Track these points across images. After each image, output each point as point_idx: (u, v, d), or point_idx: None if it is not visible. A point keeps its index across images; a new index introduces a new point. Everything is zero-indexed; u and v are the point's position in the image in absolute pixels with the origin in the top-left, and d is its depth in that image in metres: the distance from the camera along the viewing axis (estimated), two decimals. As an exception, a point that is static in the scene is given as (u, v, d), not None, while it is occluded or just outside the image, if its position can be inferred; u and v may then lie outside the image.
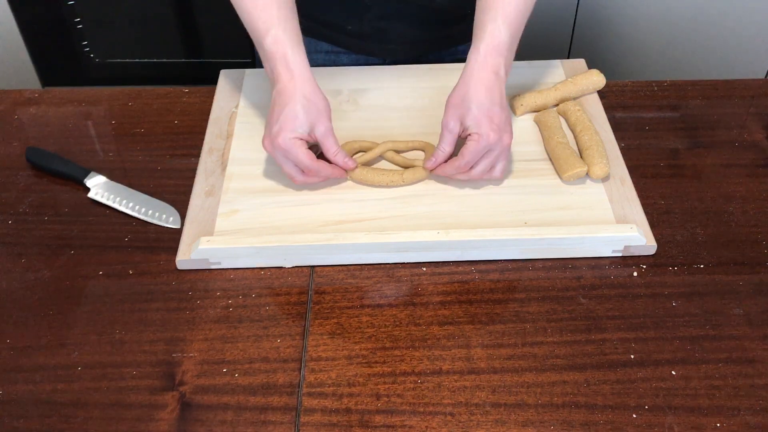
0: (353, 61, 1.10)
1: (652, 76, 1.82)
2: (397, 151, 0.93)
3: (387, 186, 0.89)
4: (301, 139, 0.85)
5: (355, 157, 0.91)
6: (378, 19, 1.05)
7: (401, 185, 0.90)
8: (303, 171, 0.87)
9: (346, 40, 1.08)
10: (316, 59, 1.12)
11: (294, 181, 0.87)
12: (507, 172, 0.90)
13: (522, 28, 0.88)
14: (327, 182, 0.90)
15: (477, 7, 0.88)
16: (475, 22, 0.88)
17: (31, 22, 1.90)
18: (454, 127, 0.86)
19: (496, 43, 0.85)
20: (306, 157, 0.85)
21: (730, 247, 0.86)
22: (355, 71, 1.06)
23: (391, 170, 0.90)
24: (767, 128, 1.01)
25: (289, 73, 0.85)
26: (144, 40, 1.95)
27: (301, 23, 1.09)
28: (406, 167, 0.91)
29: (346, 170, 0.89)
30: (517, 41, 0.88)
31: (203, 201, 0.88)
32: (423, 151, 0.93)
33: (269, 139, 0.85)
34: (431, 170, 0.89)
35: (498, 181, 0.89)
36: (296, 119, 0.84)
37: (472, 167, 0.86)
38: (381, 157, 0.93)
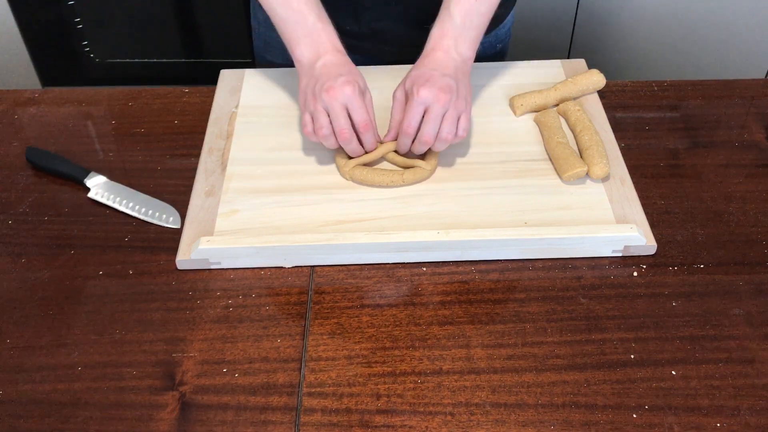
0: (352, 61, 1.10)
1: (652, 76, 1.82)
2: (396, 152, 0.93)
3: (387, 186, 0.89)
4: (361, 91, 0.88)
5: (356, 159, 0.90)
6: (376, 21, 1.05)
7: (401, 185, 0.90)
8: (354, 126, 0.88)
9: (344, 40, 1.08)
10: None
11: (341, 135, 0.87)
12: (467, 130, 0.89)
13: (481, 18, 0.91)
14: (327, 181, 0.90)
15: None
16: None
17: (31, 22, 1.90)
18: (400, 95, 0.89)
19: (445, 28, 0.90)
20: (366, 108, 0.87)
21: (730, 247, 0.86)
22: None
23: (391, 170, 0.90)
24: (767, 128, 1.01)
25: (334, 49, 0.91)
26: (144, 40, 1.95)
27: None
28: (406, 168, 0.91)
29: (347, 170, 0.90)
30: (477, 31, 0.91)
31: (203, 201, 0.88)
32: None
33: (332, 90, 0.85)
34: (392, 140, 0.91)
35: (461, 140, 0.90)
36: (359, 76, 0.88)
37: (420, 130, 0.87)
38: (383, 158, 0.93)
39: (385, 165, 0.93)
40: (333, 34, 0.92)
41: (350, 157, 0.91)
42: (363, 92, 0.89)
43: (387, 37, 1.07)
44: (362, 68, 1.06)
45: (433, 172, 0.91)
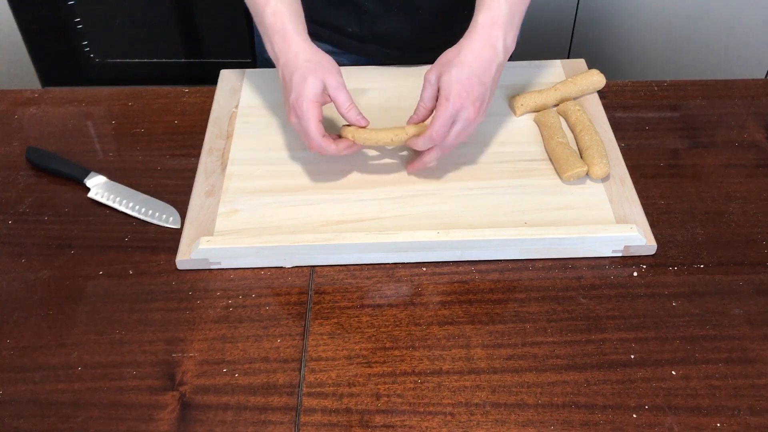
0: (353, 62, 1.10)
1: (652, 76, 1.82)
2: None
3: (390, 144, 0.87)
4: (316, 102, 0.84)
5: (355, 135, 0.88)
6: (377, 23, 1.05)
7: (404, 140, 0.87)
8: (311, 149, 0.87)
9: (346, 42, 1.08)
10: None
11: (323, 150, 0.86)
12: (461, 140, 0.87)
13: (524, 5, 0.88)
14: (327, 181, 0.90)
15: None
16: None
17: (31, 22, 1.90)
18: (434, 82, 0.85)
19: (494, 15, 0.84)
20: (315, 129, 0.84)
21: (730, 247, 0.86)
22: (356, 71, 1.06)
23: (393, 127, 0.88)
24: (767, 128, 1.01)
25: (287, 45, 0.86)
26: (144, 40, 1.95)
27: None
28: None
29: (348, 135, 0.87)
30: (520, 18, 0.88)
31: (203, 201, 0.88)
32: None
33: (292, 112, 0.85)
34: (416, 125, 0.87)
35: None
36: (306, 81, 0.84)
37: (430, 152, 0.86)
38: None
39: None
40: (288, 31, 0.87)
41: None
42: (314, 101, 0.84)
43: (389, 41, 1.07)
44: (366, 68, 1.07)
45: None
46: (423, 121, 0.88)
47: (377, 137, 0.87)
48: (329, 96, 0.86)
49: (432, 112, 0.87)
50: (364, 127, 0.87)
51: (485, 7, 0.85)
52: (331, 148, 0.86)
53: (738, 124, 1.02)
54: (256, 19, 0.91)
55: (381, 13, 1.03)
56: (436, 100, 0.85)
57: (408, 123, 0.89)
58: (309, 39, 0.88)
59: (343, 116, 0.87)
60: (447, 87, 0.83)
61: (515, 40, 0.87)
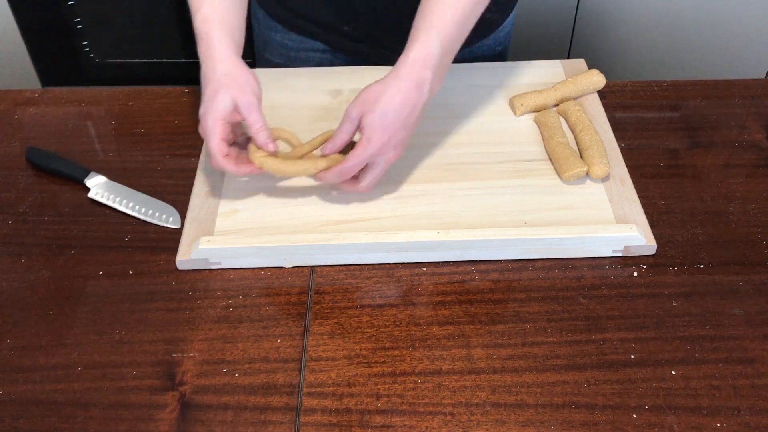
0: (348, 62, 1.10)
1: (652, 76, 1.82)
2: (314, 149, 0.88)
3: (300, 175, 0.85)
4: (223, 119, 0.81)
5: (263, 163, 0.85)
6: (370, 24, 1.05)
7: (314, 173, 0.84)
8: (211, 165, 0.83)
9: (341, 42, 1.08)
10: (312, 57, 1.11)
11: (222, 168, 0.83)
12: (373, 187, 0.85)
13: (458, 44, 0.84)
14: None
15: (417, 12, 0.83)
16: (412, 27, 0.83)
17: (31, 22, 1.90)
18: (356, 118, 0.81)
19: (425, 55, 0.80)
20: (216, 147, 0.81)
21: (730, 247, 0.86)
22: (356, 71, 1.06)
23: (302, 160, 0.85)
24: (767, 128, 1.01)
25: (209, 54, 0.83)
26: (144, 40, 1.95)
27: (297, 23, 1.08)
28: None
29: (257, 156, 0.84)
30: (451, 57, 0.84)
31: (203, 201, 0.88)
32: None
33: (200, 125, 0.82)
34: (328, 159, 0.83)
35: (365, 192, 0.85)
36: (216, 96, 0.81)
37: (357, 178, 0.83)
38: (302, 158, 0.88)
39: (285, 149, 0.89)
40: (213, 39, 0.83)
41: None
42: (222, 117, 0.81)
43: (383, 42, 1.06)
44: (365, 68, 1.07)
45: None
46: (338, 150, 0.84)
47: (285, 170, 0.84)
48: (240, 114, 0.83)
49: (347, 144, 0.84)
50: (273, 153, 0.84)
51: (419, 42, 0.81)
52: (230, 168, 0.83)
53: (738, 124, 1.02)
54: (193, 22, 0.87)
55: (374, 14, 1.03)
56: (354, 134, 0.83)
57: (323, 150, 0.85)
58: (234, 51, 0.84)
59: (252, 137, 0.84)
60: (369, 129, 0.80)
61: (441, 84, 0.84)
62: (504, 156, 0.94)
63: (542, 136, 0.96)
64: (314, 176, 0.85)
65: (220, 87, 0.81)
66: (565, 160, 0.90)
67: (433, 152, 0.95)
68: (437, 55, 0.80)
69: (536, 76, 1.06)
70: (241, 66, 0.84)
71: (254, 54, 1.21)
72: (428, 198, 0.89)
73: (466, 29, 0.84)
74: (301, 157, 0.87)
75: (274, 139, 0.85)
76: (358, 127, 0.82)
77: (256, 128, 0.83)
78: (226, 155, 0.83)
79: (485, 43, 1.12)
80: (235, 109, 0.82)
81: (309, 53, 1.11)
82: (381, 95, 0.80)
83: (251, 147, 0.85)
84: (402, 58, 0.81)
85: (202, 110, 0.82)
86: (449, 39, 0.81)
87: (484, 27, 1.08)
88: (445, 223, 0.85)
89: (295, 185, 0.90)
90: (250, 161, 0.84)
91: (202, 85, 0.83)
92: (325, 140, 0.87)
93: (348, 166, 0.81)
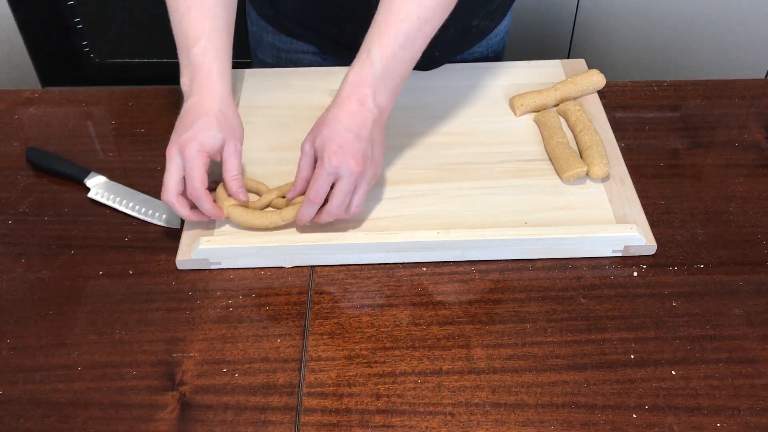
0: (338, 64, 1.09)
1: (652, 76, 1.82)
2: (283, 196, 0.87)
3: (267, 229, 0.84)
4: (208, 153, 0.81)
5: (230, 212, 0.84)
6: (358, 28, 1.04)
7: (281, 225, 0.84)
8: (187, 193, 0.81)
9: (331, 46, 1.08)
10: (302, 59, 1.11)
11: (171, 205, 0.81)
12: (361, 206, 0.83)
13: (405, 58, 0.82)
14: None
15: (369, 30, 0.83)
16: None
17: (31, 22, 1.90)
18: (309, 150, 0.82)
19: (362, 75, 0.81)
20: (200, 177, 0.80)
21: (730, 247, 0.86)
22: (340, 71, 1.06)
23: (269, 211, 0.85)
24: (767, 128, 1.01)
25: (211, 86, 0.84)
26: (144, 40, 1.95)
27: (286, 26, 1.08)
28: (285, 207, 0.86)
29: (226, 205, 0.84)
30: (398, 79, 0.83)
31: (203, 201, 0.88)
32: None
33: (177, 145, 0.80)
34: (290, 201, 0.84)
35: (357, 215, 0.83)
36: (209, 130, 0.81)
37: (327, 202, 0.80)
38: (270, 205, 0.87)
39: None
40: (213, 72, 0.85)
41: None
42: (207, 151, 0.81)
43: None
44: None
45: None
46: (302, 192, 0.83)
47: (252, 222, 0.83)
48: (221, 156, 0.83)
49: (309, 181, 0.82)
50: (243, 203, 0.84)
51: (358, 63, 0.82)
52: (204, 205, 0.81)
53: (738, 124, 1.02)
54: (181, 51, 0.87)
55: (360, 18, 1.02)
56: (313, 168, 0.82)
57: (287, 197, 0.85)
58: (230, 91, 0.86)
59: (225, 182, 0.84)
60: (321, 146, 0.79)
61: (392, 99, 0.83)
62: (504, 156, 0.94)
63: (542, 136, 0.96)
64: (297, 220, 0.83)
65: (214, 123, 0.81)
66: (565, 160, 0.90)
67: (433, 152, 0.95)
68: (376, 73, 0.80)
69: (536, 76, 1.06)
70: (236, 111, 0.85)
71: (250, 52, 1.21)
72: (428, 198, 0.89)
73: (412, 46, 0.82)
74: (269, 203, 0.86)
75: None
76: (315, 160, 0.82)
77: (231, 176, 0.83)
78: (206, 189, 0.81)
79: (477, 50, 1.11)
80: (219, 149, 0.82)
81: (299, 55, 1.11)
82: (326, 119, 0.81)
83: (221, 194, 0.85)
84: (345, 78, 0.82)
85: (187, 136, 0.80)
86: (389, 57, 0.80)
87: (473, 35, 1.08)
88: (445, 223, 0.85)
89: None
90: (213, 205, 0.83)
91: (190, 114, 0.82)
92: None
93: (314, 192, 0.79)
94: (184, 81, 0.86)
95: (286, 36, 1.09)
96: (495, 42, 1.13)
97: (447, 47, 1.02)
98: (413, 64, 0.84)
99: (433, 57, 1.07)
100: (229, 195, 0.85)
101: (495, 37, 1.12)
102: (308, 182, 0.82)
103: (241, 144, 0.85)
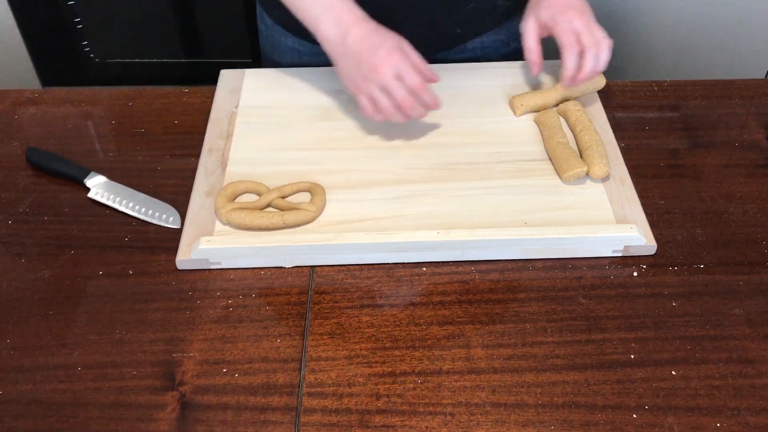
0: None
1: (652, 76, 1.82)
2: (283, 197, 0.87)
3: (267, 229, 0.85)
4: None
5: (239, 204, 0.86)
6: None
7: (282, 228, 0.85)
8: (410, 88, 0.88)
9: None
10: (308, 61, 1.11)
11: (404, 106, 0.88)
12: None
13: None
14: (328, 181, 0.90)
15: None
16: None
17: (31, 22, 1.90)
18: (532, 26, 0.94)
19: None
20: (414, 71, 0.87)
21: (730, 247, 0.86)
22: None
23: (271, 212, 0.85)
24: (767, 128, 1.01)
25: (358, 18, 0.90)
26: (144, 40, 1.95)
27: (292, 26, 1.08)
28: (289, 210, 0.87)
29: (224, 212, 0.85)
30: None
31: (203, 201, 0.88)
32: (310, 192, 0.88)
33: (379, 67, 0.86)
34: (293, 211, 0.85)
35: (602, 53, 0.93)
36: (394, 39, 0.88)
37: (585, 58, 0.91)
38: (271, 205, 0.87)
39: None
40: (351, 5, 0.90)
41: (232, 200, 0.87)
42: (406, 54, 0.89)
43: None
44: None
45: (318, 213, 0.86)
46: (538, 61, 0.96)
47: (251, 222, 0.84)
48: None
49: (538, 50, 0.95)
50: (240, 206, 0.85)
51: None
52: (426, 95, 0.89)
53: (738, 124, 1.02)
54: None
55: (378, 7, 1.02)
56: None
57: (562, 80, 0.95)
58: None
59: (415, 94, 0.89)
60: (551, 15, 0.92)
61: None
62: (504, 156, 0.94)
63: (542, 136, 0.96)
64: (573, 83, 0.94)
65: (389, 45, 0.88)
66: (565, 160, 0.90)
67: (434, 152, 0.95)
68: None
69: (536, 76, 1.06)
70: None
71: (254, 54, 1.21)
72: (428, 198, 0.89)
73: None
74: (269, 203, 0.87)
75: (241, 192, 0.88)
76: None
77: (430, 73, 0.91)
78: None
79: (498, 38, 1.11)
80: (405, 58, 0.89)
81: (303, 57, 1.11)
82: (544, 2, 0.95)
83: (218, 202, 0.85)
84: None
85: (391, 43, 0.88)
86: None
87: (497, 14, 1.07)
88: (445, 223, 0.85)
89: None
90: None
91: (377, 34, 0.89)
92: (297, 190, 0.88)
93: (580, 34, 0.92)
94: (328, 29, 0.90)
95: (307, 42, 1.08)
96: (515, 28, 1.12)
97: (468, 25, 1.02)
98: None
99: (454, 35, 1.07)
100: (229, 201, 0.86)
101: (515, 22, 1.11)
102: (538, 53, 0.95)
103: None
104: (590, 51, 0.91)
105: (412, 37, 1.06)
